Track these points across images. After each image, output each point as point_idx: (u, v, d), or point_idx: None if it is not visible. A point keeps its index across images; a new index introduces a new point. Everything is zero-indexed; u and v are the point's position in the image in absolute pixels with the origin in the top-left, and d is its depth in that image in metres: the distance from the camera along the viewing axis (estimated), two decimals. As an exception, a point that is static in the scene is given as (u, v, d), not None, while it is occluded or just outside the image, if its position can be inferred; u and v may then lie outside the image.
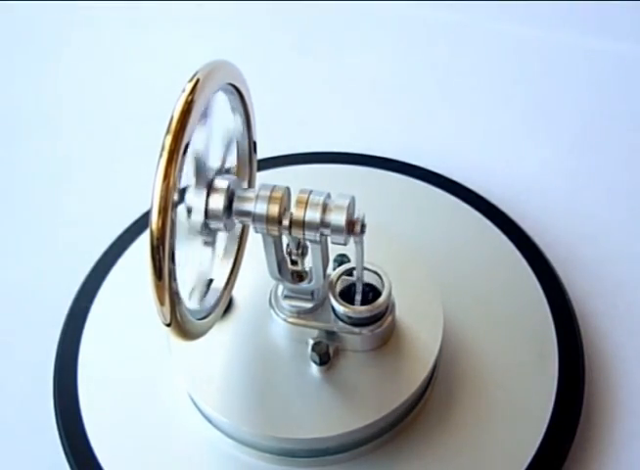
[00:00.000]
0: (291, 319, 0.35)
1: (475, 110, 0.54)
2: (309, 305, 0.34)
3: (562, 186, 0.48)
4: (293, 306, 0.34)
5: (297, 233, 0.30)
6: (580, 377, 0.37)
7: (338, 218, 0.30)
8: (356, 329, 0.34)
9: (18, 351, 0.42)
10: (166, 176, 0.26)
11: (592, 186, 0.48)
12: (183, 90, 0.27)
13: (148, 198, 0.43)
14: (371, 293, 0.34)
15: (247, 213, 0.30)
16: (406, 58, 0.57)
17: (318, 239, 0.30)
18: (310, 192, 0.31)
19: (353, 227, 0.30)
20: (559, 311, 0.39)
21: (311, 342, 0.34)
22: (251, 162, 0.35)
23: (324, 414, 0.33)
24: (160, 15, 0.61)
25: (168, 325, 0.28)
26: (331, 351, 0.34)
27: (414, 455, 0.35)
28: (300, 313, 0.34)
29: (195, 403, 0.36)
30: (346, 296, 0.34)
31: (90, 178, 0.51)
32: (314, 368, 0.34)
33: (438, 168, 0.46)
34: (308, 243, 0.32)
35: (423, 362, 0.34)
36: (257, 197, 0.30)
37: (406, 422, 0.35)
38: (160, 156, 0.26)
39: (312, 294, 0.34)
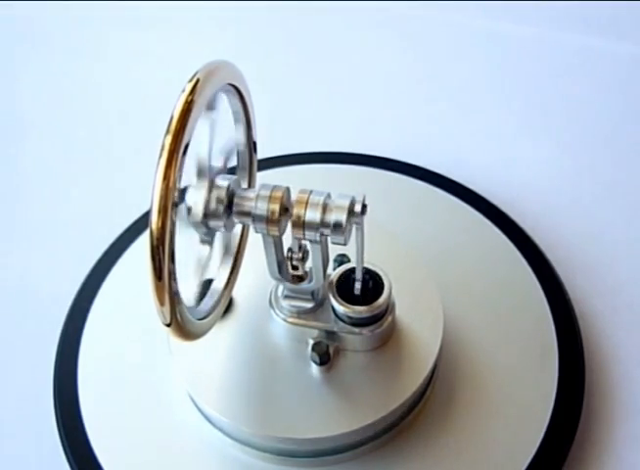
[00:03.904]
0: (290, 319, 0.35)
1: (474, 109, 0.54)
2: (309, 304, 0.34)
3: (562, 186, 0.48)
4: (293, 306, 0.34)
5: (298, 233, 0.30)
6: (580, 377, 0.37)
7: (338, 218, 0.30)
8: (356, 329, 0.34)
9: (18, 350, 0.42)
10: (166, 176, 0.26)
11: (592, 186, 0.48)
12: (183, 90, 0.27)
13: (148, 198, 0.43)
14: (371, 281, 0.34)
15: (246, 213, 0.30)
16: (406, 58, 0.57)
17: (318, 239, 0.30)
18: (310, 192, 0.31)
19: (353, 208, 0.30)
20: (559, 311, 0.39)
21: (311, 342, 0.34)
22: (252, 162, 0.35)
23: (324, 414, 0.33)
24: (159, 15, 0.61)
25: (168, 325, 0.28)
26: (331, 350, 0.34)
27: (414, 455, 0.35)
28: (301, 313, 0.34)
29: (195, 403, 0.36)
30: (345, 285, 0.34)
31: (90, 178, 0.50)
32: (314, 368, 0.34)
33: (438, 168, 0.46)
34: (308, 243, 0.31)
35: (423, 362, 0.34)
36: (257, 197, 0.30)
37: (407, 422, 0.35)
38: (160, 156, 0.26)
39: (312, 294, 0.34)
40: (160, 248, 0.26)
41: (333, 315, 0.34)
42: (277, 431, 0.33)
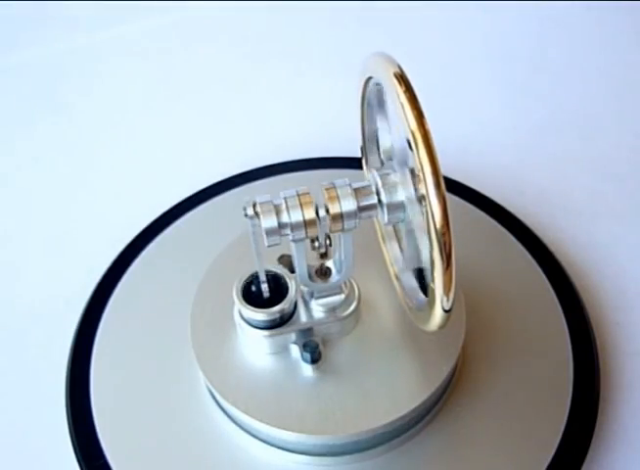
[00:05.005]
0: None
1: (478, 111, 0.54)
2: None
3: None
4: (326, 305, 0.34)
5: (337, 227, 0.30)
6: (595, 380, 0.38)
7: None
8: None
9: (31, 351, 0.41)
10: (434, 163, 0.25)
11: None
12: (393, 85, 0.27)
13: (162, 200, 0.43)
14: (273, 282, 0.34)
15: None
16: (404, 57, 0.58)
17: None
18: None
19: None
20: (573, 318, 0.40)
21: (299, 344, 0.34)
22: None
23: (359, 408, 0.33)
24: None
25: (449, 311, 0.28)
26: (321, 347, 0.34)
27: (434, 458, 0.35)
28: (336, 308, 0.34)
29: (214, 397, 0.36)
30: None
31: (104, 179, 0.51)
32: (313, 367, 0.34)
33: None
34: (340, 234, 0.31)
35: (451, 349, 0.34)
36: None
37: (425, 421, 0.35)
38: (418, 147, 0.26)
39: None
40: (447, 234, 0.26)
41: (303, 315, 0.34)
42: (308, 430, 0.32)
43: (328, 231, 0.31)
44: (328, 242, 0.33)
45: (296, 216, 0.30)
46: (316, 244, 0.33)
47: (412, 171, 0.29)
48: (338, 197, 0.30)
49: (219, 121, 0.54)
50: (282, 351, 0.34)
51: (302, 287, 0.34)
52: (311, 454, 0.34)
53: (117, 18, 0.61)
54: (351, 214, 0.30)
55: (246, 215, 0.30)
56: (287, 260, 0.35)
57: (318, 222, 0.30)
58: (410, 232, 0.32)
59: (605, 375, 0.39)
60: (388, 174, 0.31)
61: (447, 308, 0.28)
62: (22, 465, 0.37)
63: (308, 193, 0.31)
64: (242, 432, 0.35)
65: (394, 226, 0.36)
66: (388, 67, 0.28)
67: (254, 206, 0.30)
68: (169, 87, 0.57)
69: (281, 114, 0.54)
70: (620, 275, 0.44)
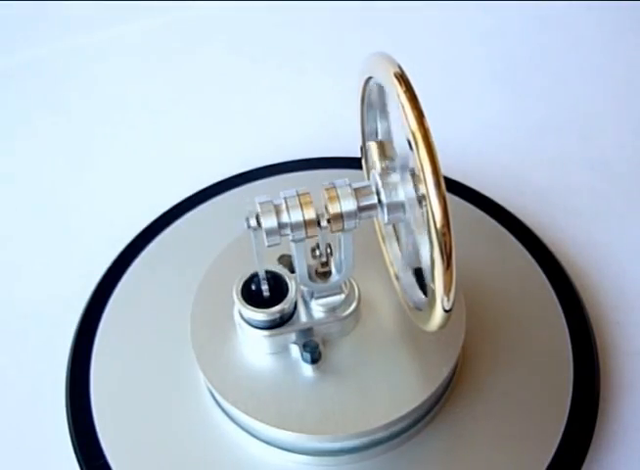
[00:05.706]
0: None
1: (478, 111, 0.54)
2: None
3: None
4: (326, 305, 0.34)
5: (337, 227, 0.30)
6: (595, 378, 0.38)
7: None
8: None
9: (31, 351, 0.41)
10: (435, 162, 0.25)
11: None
12: (394, 85, 0.27)
13: (161, 200, 0.43)
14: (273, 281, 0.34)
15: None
16: (404, 57, 0.58)
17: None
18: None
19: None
20: (573, 318, 0.40)
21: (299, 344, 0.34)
22: None
23: (358, 408, 0.33)
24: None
25: (449, 311, 0.28)
26: (321, 347, 0.34)
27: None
28: (336, 308, 0.34)
29: (214, 397, 0.35)
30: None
31: (104, 180, 0.50)
32: (313, 367, 0.34)
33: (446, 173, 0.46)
34: (341, 234, 0.31)
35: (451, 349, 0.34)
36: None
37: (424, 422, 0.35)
38: (418, 147, 0.25)
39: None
40: (447, 234, 0.26)
41: (303, 315, 0.34)
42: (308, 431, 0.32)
43: (328, 239, 0.31)
44: (329, 251, 0.33)
45: (296, 216, 0.30)
46: (317, 252, 0.33)
47: (412, 171, 0.29)
48: (338, 197, 0.30)
49: (219, 121, 0.54)
50: (282, 351, 0.34)
51: (302, 287, 0.34)
52: (311, 454, 0.34)
53: (117, 18, 0.61)
54: (351, 214, 0.30)
55: (248, 227, 0.30)
56: (287, 260, 0.35)
57: (318, 227, 0.30)
58: (410, 232, 0.32)
59: (605, 375, 0.39)
60: (388, 174, 0.31)
61: (447, 308, 0.28)
62: (22, 465, 0.37)
63: (308, 193, 0.31)
64: (242, 432, 0.35)
65: (394, 226, 0.36)
66: (388, 67, 0.28)
67: (257, 217, 0.30)
68: (169, 87, 0.57)
69: (281, 113, 0.54)
70: (620, 275, 0.44)
